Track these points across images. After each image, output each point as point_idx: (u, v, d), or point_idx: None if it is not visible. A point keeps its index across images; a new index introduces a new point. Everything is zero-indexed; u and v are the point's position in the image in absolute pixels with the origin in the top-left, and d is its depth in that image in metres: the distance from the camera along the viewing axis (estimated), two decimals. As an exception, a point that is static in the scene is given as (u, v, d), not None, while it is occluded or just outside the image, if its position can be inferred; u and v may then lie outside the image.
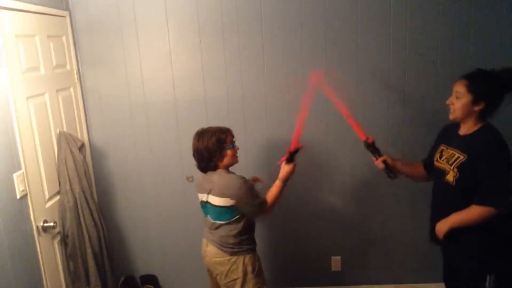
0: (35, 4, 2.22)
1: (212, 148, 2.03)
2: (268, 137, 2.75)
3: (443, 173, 1.94)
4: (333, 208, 2.86)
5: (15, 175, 1.94)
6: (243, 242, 2.10)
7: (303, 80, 2.51)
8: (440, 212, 1.98)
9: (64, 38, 2.54)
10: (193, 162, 2.79)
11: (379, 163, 2.16)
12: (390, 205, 2.84)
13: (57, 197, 2.33)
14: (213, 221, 2.10)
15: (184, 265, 2.98)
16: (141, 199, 2.88)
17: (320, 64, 2.62)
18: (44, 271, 2.15)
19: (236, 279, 2.10)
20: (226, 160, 2.08)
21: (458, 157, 1.85)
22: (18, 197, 1.95)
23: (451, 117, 1.91)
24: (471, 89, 1.81)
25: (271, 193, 2.15)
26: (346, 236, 2.91)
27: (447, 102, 1.91)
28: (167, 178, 2.84)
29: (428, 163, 2.15)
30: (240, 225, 2.08)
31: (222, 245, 2.10)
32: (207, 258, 2.20)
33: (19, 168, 1.98)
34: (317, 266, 2.93)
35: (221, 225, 2.09)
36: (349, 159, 2.76)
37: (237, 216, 2.07)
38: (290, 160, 2.21)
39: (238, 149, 2.14)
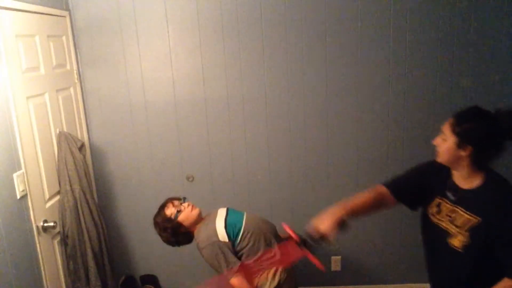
0: (35, 4, 2.22)
1: (172, 236, 2.09)
2: (268, 137, 2.75)
3: (446, 233, 1.62)
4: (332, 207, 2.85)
5: (15, 175, 1.94)
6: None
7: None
8: (444, 280, 1.74)
9: (64, 38, 2.54)
10: (193, 162, 2.81)
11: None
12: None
13: (57, 197, 2.33)
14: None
15: (184, 265, 2.97)
16: (141, 199, 2.87)
17: (320, 64, 2.62)
18: (44, 271, 2.15)
19: None
20: (186, 223, 2.08)
21: (469, 220, 1.52)
22: (18, 197, 1.95)
23: (438, 160, 1.64)
24: (455, 130, 1.51)
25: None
26: (346, 236, 2.90)
27: (433, 141, 1.64)
28: (167, 178, 2.83)
29: (396, 189, 1.88)
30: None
31: None
32: None
33: (19, 168, 1.98)
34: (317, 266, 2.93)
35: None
36: (349, 158, 2.76)
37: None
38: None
39: (188, 204, 2.13)
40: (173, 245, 2.17)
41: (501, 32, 2.54)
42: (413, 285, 2.94)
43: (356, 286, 2.98)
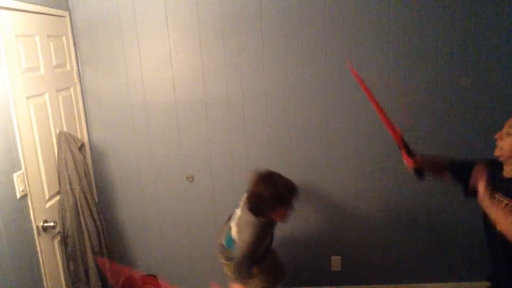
0: (35, 4, 2.22)
1: (269, 198, 1.91)
2: (268, 137, 2.75)
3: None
4: (333, 208, 2.85)
5: (15, 175, 1.94)
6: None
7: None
8: (502, 272, 1.68)
9: (64, 38, 2.54)
10: (193, 162, 2.81)
11: (409, 164, 1.87)
12: (390, 205, 2.84)
13: (57, 197, 2.33)
14: (224, 243, 2.18)
15: (184, 265, 2.98)
16: (141, 199, 2.88)
17: (320, 63, 2.62)
18: (44, 271, 2.15)
19: None
20: (274, 216, 1.98)
21: (501, 202, 1.58)
22: (18, 197, 1.95)
23: (497, 153, 1.62)
24: None
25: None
26: (346, 236, 2.91)
27: (496, 135, 1.61)
28: (167, 178, 2.83)
29: (456, 169, 1.87)
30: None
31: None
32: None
33: (19, 168, 1.98)
34: (317, 266, 2.93)
35: (225, 250, 2.16)
36: (349, 158, 2.76)
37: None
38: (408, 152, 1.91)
39: (292, 211, 2.02)
40: (254, 198, 1.98)
41: (501, 32, 2.54)
42: (413, 285, 2.94)
43: (356, 286, 2.98)
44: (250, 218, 1.97)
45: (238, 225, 2.01)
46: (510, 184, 1.58)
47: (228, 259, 2.17)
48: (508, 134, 1.55)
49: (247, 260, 1.95)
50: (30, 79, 2.15)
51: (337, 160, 2.77)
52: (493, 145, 1.63)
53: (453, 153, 2.73)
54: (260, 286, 2.18)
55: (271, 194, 1.91)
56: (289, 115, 2.71)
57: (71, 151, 2.37)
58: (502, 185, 1.60)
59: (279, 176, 2.00)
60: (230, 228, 2.17)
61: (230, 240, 2.14)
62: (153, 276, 3.00)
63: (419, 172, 1.92)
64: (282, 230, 2.91)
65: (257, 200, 1.95)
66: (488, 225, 1.64)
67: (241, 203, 2.17)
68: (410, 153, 1.90)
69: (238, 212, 2.18)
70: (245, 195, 2.10)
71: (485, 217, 1.67)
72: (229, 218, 2.28)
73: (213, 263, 2.80)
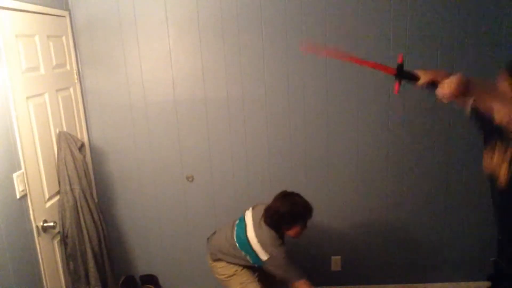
0: (35, 4, 2.22)
1: (287, 215, 2.08)
2: (268, 137, 2.74)
3: (496, 178, 1.58)
4: (333, 208, 2.85)
5: (15, 175, 1.94)
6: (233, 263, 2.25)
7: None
8: (505, 227, 1.67)
9: (64, 38, 2.54)
10: (193, 162, 2.81)
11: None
12: (390, 205, 2.84)
13: (57, 197, 2.33)
14: (236, 243, 2.20)
15: (184, 265, 2.98)
16: (141, 199, 2.88)
17: (320, 63, 2.62)
18: (44, 271, 2.15)
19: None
20: (290, 232, 2.13)
21: (504, 148, 1.51)
22: (18, 197, 1.95)
23: (501, 123, 1.45)
24: None
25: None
26: (346, 236, 2.91)
27: (487, 107, 1.49)
28: (167, 178, 2.83)
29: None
30: (247, 263, 2.21)
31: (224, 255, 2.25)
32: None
33: (19, 168, 1.98)
34: (317, 266, 2.93)
35: (237, 249, 2.19)
36: (349, 158, 2.76)
37: (256, 263, 2.18)
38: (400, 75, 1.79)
39: (305, 230, 2.17)
40: (273, 214, 2.12)
41: (501, 32, 2.54)
42: (413, 285, 2.94)
43: (356, 286, 2.98)
44: (271, 233, 2.11)
45: (261, 241, 2.10)
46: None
47: (233, 257, 2.22)
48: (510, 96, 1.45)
49: (291, 268, 2.11)
50: (30, 79, 2.15)
51: (337, 160, 2.77)
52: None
53: (453, 153, 2.73)
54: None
55: (288, 211, 2.08)
56: (289, 115, 2.71)
57: (71, 151, 2.37)
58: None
59: (298, 195, 2.15)
60: (243, 230, 2.19)
61: (244, 243, 2.16)
62: (153, 276, 3.00)
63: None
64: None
65: (274, 215, 2.10)
66: (494, 189, 1.61)
67: (252, 212, 2.26)
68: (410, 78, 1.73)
69: (249, 219, 2.22)
70: (258, 207, 2.27)
71: (491, 182, 1.62)
72: (234, 221, 2.32)
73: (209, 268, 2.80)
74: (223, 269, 2.28)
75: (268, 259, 2.09)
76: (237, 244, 2.19)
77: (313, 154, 2.76)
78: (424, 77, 1.63)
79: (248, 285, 2.24)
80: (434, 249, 2.89)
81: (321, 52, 1.94)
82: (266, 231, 2.11)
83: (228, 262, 2.27)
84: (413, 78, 1.70)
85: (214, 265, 2.32)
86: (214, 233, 2.42)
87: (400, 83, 1.74)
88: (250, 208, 2.32)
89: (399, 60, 1.75)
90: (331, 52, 1.94)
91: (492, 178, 1.58)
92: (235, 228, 2.25)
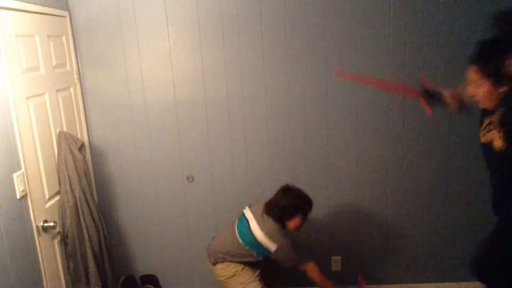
0: (35, 4, 2.22)
1: (288, 207, 2.17)
2: (268, 137, 2.75)
3: (491, 144, 1.67)
4: (333, 208, 2.85)
5: (15, 175, 1.94)
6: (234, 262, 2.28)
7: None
8: (499, 188, 1.77)
9: (64, 38, 2.54)
10: (193, 162, 2.81)
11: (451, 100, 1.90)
12: (390, 205, 2.84)
13: (57, 197, 2.33)
14: (240, 240, 2.23)
15: (184, 265, 2.98)
16: (141, 199, 2.88)
17: (320, 63, 2.62)
18: (44, 271, 2.15)
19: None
20: (290, 224, 2.21)
21: (496, 117, 1.61)
22: (18, 197, 1.95)
23: (482, 107, 1.67)
24: (487, 72, 1.55)
25: (319, 275, 2.29)
26: (346, 236, 2.91)
27: (468, 94, 1.66)
28: (167, 178, 2.84)
29: None
30: (251, 259, 2.26)
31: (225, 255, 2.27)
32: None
33: (19, 168, 1.98)
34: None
35: (238, 243, 2.22)
36: (349, 158, 2.76)
37: (261, 256, 2.23)
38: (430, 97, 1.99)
39: (305, 223, 2.25)
40: (275, 207, 2.21)
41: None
42: (413, 285, 2.94)
43: (356, 286, 2.98)
44: (275, 225, 2.18)
45: (269, 235, 2.16)
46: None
47: (235, 255, 2.24)
48: (477, 86, 1.59)
49: (299, 254, 2.23)
50: (30, 79, 2.15)
51: (337, 160, 2.77)
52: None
53: (453, 153, 2.73)
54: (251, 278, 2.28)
55: (289, 203, 2.17)
56: (289, 115, 2.71)
57: (71, 151, 2.37)
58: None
59: (298, 189, 2.25)
60: (246, 226, 2.22)
61: (249, 238, 2.20)
62: (153, 276, 3.00)
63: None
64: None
65: (276, 208, 2.18)
66: (489, 155, 1.72)
67: (251, 209, 2.30)
68: (432, 97, 1.88)
69: (250, 215, 2.26)
70: (256, 204, 2.34)
71: (484, 148, 1.74)
72: (233, 222, 2.34)
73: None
74: (223, 271, 2.28)
75: (277, 248, 2.15)
76: (241, 241, 2.21)
77: (313, 154, 2.76)
78: (447, 93, 1.85)
79: (248, 285, 2.24)
80: (434, 249, 2.89)
81: (351, 78, 2.11)
82: (270, 222, 2.18)
83: (228, 262, 2.27)
84: (439, 96, 1.86)
85: (213, 268, 2.33)
86: (213, 238, 2.43)
87: (428, 103, 1.88)
88: (247, 207, 2.35)
89: (425, 83, 1.88)
90: (360, 78, 2.08)
91: (489, 146, 1.68)
92: (236, 227, 2.26)
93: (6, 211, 1.86)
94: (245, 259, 2.26)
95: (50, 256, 2.23)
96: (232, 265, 2.26)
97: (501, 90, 1.55)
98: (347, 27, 2.57)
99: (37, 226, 2.10)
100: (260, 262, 2.33)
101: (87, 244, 2.40)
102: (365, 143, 2.73)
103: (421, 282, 2.95)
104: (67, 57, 2.57)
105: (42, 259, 2.12)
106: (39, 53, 2.24)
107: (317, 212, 2.88)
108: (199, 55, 2.65)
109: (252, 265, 2.31)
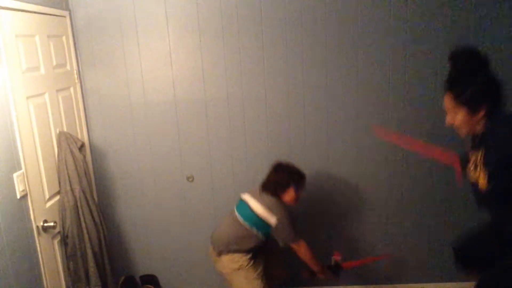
0: (35, 4, 2.22)
1: (280, 180, 2.27)
2: (268, 137, 2.75)
3: (477, 184, 1.63)
4: (333, 208, 2.85)
5: (15, 175, 1.94)
6: (236, 251, 2.28)
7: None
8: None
9: (64, 38, 2.54)
10: (193, 162, 2.81)
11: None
12: (390, 205, 2.84)
13: (57, 197, 2.33)
14: (239, 218, 2.28)
15: (184, 265, 2.98)
16: (141, 199, 2.88)
17: (320, 63, 2.62)
18: (44, 271, 2.15)
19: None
20: (286, 197, 2.28)
21: (480, 154, 1.58)
22: (18, 197, 1.95)
23: (462, 135, 1.64)
24: (460, 100, 1.53)
25: (310, 255, 2.32)
26: (346, 236, 2.91)
27: (447, 122, 1.64)
28: (167, 178, 2.84)
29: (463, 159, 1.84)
30: (253, 242, 2.26)
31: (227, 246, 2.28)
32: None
33: (19, 168, 1.98)
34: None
35: (239, 225, 2.26)
36: (350, 158, 2.76)
37: (261, 234, 2.24)
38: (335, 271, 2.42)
39: (301, 197, 2.33)
40: (269, 184, 2.31)
41: (501, 32, 2.54)
42: (413, 285, 2.94)
43: (356, 286, 2.98)
44: (273, 199, 2.26)
45: (270, 208, 2.22)
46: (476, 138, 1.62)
47: (240, 242, 2.26)
48: (454, 114, 1.56)
49: (294, 230, 2.26)
50: (30, 79, 2.15)
51: (337, 161, 2.77)
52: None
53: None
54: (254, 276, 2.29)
55: (281, 177, 2.27)
56: (289, 115, 2.71)
57: (71, 151, 2.37)
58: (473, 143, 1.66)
59: (289, 164, 2.34)
60: (246, 207, 2.28)
61: (251, 216, 2.25)
62: (153, 276, 3.00)
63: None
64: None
65: (270, 184, 2.29)
66: (475, 192, 1.69)
67: (248, 193, 2.38)
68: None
69: (248, 197, 2.33)
70: (251, 189, 2.41)
71: (472, 186, 1.70)
72: (231, 210, 2.39)
73: (213, 263, 2.80)
74: (228, 263, 2.29)
75: (277, 221, 2.20)
76: (242, 220, 2.26)
77: (313, 154, 2.76)
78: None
79: (252, 281, 2.25)
80: (434, 249, 2.89)
81: (393, 138, 2.10)
82: (269, 196, 2.26)
83: (233, 254, 2.27)
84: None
85: (218, 259, 2.33)
86: (214, 230, 2.43)
87: (462, 171, 1.81)
88: (245, 193, 2.41)
89: (455, 165, 1.82)
90: (402, 138, 2.07)
91: (476, 185, 1.65)
92: (236, 211, 2.32)
93: (6, 211, 1.86)
94: (249, 244, 2.26)
95: (50, 256, 2.23)
96: (238, 257, 2.26)
97: (478, 116, 1.52)
98: (347, 26, 2.57)
99: (37, 226, 2.10)
100: (263, 250, 2.36)
101: (87, 244, 2.40)
102: (365, 142, 2.73)
103: (421, 282, 2.95)
104: (67, 57, 2.57)
105: (42, 259, 2.12)
106: (39, 53, 2.25)
107: (318, 212, 2.88)
108: (199, 55, 2.65)
109: (256, 253, 2.32)
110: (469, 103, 1.51)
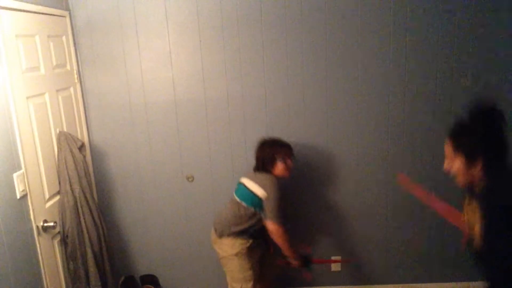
0: (35, 4, 2.22)
1: (265, 156, 2.34)
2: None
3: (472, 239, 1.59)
4: (333, 208, 2.85)
5: (15, 175, 1.94)
6: (238, 235, 2.30)
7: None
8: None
9: (64, 38, 2.54)
10: (193, 162, 2.81)
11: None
12: (390, 205, 2.84)
13: (57, 197, 2.33)
14: (237, 199, 2.33)
15: (184, 265, 2.98)
16: (141, 199, 2.88)
17: (320, 63, 2.62)
18: (44, 271, 2.15)
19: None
20: (276, 171, 2.33)
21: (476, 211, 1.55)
22: (18, 197, 1.95)
23: (460, 183, 1.61)
24: (458, 149, 1.50)
25: (285, 242, 2.29)
26: (346, 236, 2.91)
27: (444, 168, 1.61)
28: (167, 178, 2.83)
29: None
30: (250, 222, 2.29)
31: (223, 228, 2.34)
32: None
33: (19, 168, 1.98)
34: (317, 266, 2.93)
35: (238, 205, 2.31)
36: (349, 158, 2.76)
37: (259, 211, 2.28)
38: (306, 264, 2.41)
39: (291, 165, 2.36)
40: (258, 161, 2.39)
41: (501, 32, 2.54)
42: (413, 285, 2.94)
43: (356, 286, 2.98)
44: (265, 175, 2.32)
45: (261, 184, 2.28)
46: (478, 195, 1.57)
47: (239, 222, 2.29)
48: (452, 162, 1.55)
49: (278, 209, 2.26)
50: (30, 79, 2.15)
51: (337, 160, 2.77)
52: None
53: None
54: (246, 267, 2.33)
55: (267, 153, 2.34)
56: (289, 115, 2.71)
57: (71, 151, 2.37)
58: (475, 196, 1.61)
59: (273, 138, 2.42)
60: (243, 187, 2.33)
61: (247, 194, 2.30)
62: (153, 276, 3.00)
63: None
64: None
65: (259, 161, 2.36)
66: (471, 252, 1.64)
67: (244, 176, 2.42)
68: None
69: (245, 179, 2.38)
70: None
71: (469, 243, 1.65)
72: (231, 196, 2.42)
73: (213, 263, 2.80)
74: (227, 247, 2.31)
75: (267, 196, 2.24)
76: (239, 199, 2.31)
77: (313, 154, 2.76)
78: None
79: (245, 270, 2.30)
80: (434, 249, 2.89)
81: (413, 189, 2.08)
82: (262, 174, 2.33)
83: (235, 237, 2.30)
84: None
85: (219, 241, 2.36)
86: (216, 215, 2.48)
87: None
88: (242, 177, 2.44)
89: (464, 231, 1.76)
90: (421, 192, 2.05)
91: (471, 241, 1.61)
92: (235, 194, 2.37)
93: (6, 211, 1.86)
94: (247, 223, 2.29)
95: (50, 256, 2.23)
96: (238, 243, 2.29)
97: (475, 169, 1.48)
98: (347, 25, 2.57)
99: (37, 226, 2.10)
100: (262, 246, 2.41)
101: (87, 244, 2.40)
102: (365, 143, 2.73)
103: (421, 282, 2.95)
104: (67, 57, 2.57)
105: (42, 259, 2.12)
106: (39, 53, 2.24)
107: (318, 212, 2.88)
108: (199, 55, 2.65)
109: (255, 244, 2.35)
110: (467, 153, 1.49)
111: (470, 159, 1.48)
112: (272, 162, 2.32)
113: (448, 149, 1.56)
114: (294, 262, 2.37)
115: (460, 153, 1.50)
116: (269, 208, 2.24)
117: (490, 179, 1.49)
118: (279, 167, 2.33)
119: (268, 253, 2.52)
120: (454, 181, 1.65)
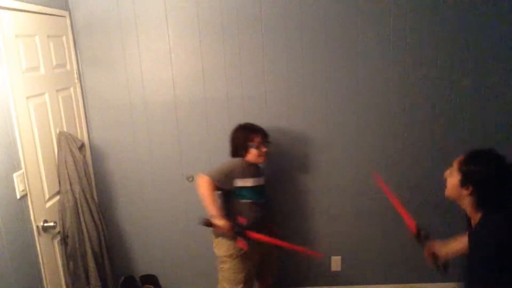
0: (35, 4, 2.22)
1: (237, 142, 2.32)
2: (268, 137, 2.75)
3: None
4: (333, 207, 2.85)
5: (15, 175, 1.94)
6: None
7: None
8: None
9: (64, 38, 2.54)
10: (193, 162, 2.81)
11: (428, 256, 2.01)
12: (390, 205, 2.84)
13: (57, 197, 2.33)
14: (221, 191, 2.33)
15: (184, 265, 2.98)
16: (141, 199, 2.88)
17: (320, 63, 2.62)
18: (44, 271, 2.15)
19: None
20: (249, 157, 2.30)
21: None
22: (18, 197, 1.95)
23: (445, 194, 1.71)
24: (462, 168, 1.56)
25: (208, 193, 2.20)
26: (346, 236, 2.91)
27: (444, 175, 1.69)
28: (167, 178, 2.83)
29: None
30: (241, 206, 2.30)
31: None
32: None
33: (19, 168, 1.98)
34: (317, 266, 2.93)
35: (224, 195, 2.33)
36: (349, 158, 2.76)
37: (244, 193, 2.31)
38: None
39: (264, 151, 2.31)
40: (230, 145, 2.37)
41: (501, 32, 2.54)
42: (413, 285, 2.94)
43: (356, 286, 2.98)
44: (232, 159, 2.34)
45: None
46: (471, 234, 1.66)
47: (228, 208, 2.30)
48: (451, 174, 1.61)
49: (217, 173, 2.25)
50: (30, 79, 2.15)
51: (337, 160, 2.77)
52: (496, 147, 1.61)
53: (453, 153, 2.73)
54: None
55: (237, 139, 2.32)
56: (289, 115, 2.71)
57: (71, 151, 2.37)
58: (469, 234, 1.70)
59: (243, 124, 2.38)
60: None
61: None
62: (153, 276, 3.00)
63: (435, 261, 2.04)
64: (282, 230, 2.91)
65: (232, 148, 2.35)
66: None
67: None
68: (421, 240, 2.03)
69: None
70: None
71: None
72: None
73: (213, 263, 2.80)
74: (221, 247, 2.32)
75: (221, 164, 2.30)
76: (222, 191, 2.31)
77: (312, 155, 2.76)
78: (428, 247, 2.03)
79: (237, 274, 2.30)
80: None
81: (384, 189, 2.27)
82: (232, 159, 2.34)
83: (230, 239, 2.27)
84: (423, 244, 2.03)
85: (216, 240, 2.36)
86: None
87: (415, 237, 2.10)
88: None
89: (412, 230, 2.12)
90: (389, 194, 2.24)
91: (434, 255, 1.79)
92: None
93: (6, 211, 1.86)
94: (239, 208, 2.29)
95: (50, 256, 2.23)
96: (233, 245, 2.27)
97: (463, 192, 1.56)
98: (347, 26, 2.57)
99: (37, 226, 2.10)
100: (259, 250, 2.36)
101: (87, 244, 2.40)
102: (366, 143, 2.73)
103: (421, 282, 2.95)
104: (67, 57, 2.57)
105: (42, 259, 2.12)
106: (39, 53, 2.24)
107: (318, 213, 2.88)
108: (199, 55, 2.65)
109: (252, 250, 2.29)
110: (464, 175, 1.54)
111: (463, 181, 1.55)
112: (245, 148, 2.29)
113: (456, 163, 1.61)
114: (218, 223, 2.17)
115: (460, 172, 1.56)
116: (210, 169, 2.26)
117: (486, 214, 1.54)
118: (252, 153, 2.29)
119: (268, 254, 2.50)
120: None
